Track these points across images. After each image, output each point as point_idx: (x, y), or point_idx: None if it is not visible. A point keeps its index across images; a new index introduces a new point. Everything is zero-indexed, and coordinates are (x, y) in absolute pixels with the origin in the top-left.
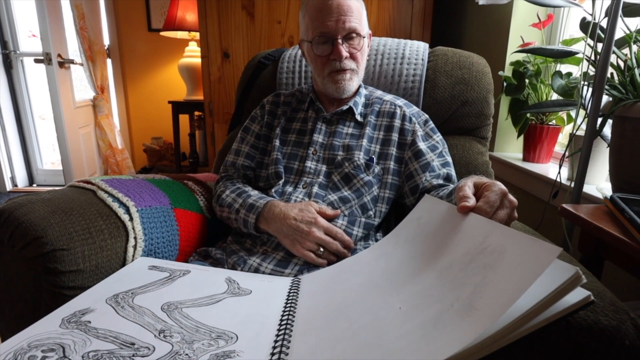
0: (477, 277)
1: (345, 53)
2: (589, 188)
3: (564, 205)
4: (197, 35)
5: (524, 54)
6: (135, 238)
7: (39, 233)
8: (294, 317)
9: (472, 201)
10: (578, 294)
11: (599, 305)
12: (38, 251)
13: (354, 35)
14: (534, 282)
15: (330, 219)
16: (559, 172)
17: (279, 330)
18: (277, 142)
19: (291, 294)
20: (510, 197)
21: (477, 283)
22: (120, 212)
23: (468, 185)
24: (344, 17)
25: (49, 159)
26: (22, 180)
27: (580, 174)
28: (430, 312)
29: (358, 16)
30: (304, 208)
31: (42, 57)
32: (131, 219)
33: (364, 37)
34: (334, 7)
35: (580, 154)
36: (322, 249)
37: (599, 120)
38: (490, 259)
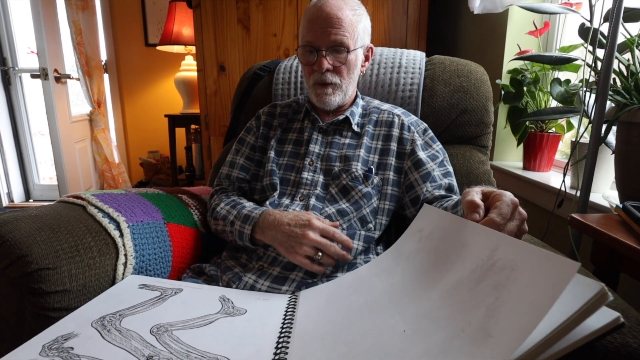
0: (489, 298)
1: (327, 65)
2: (594, 196)
3: (574, 215)
4: (193, 49)
5: (521, 62)
6: (125, 255)
7: (24, 251)
8: (289, 339)
9: (482, 212)
10: (605, 316)
11: (625, 326)
12: (22, 271)
13: (341, 48)
14: (554, 303)
15: None
16: (564, 181)
17: (274, 354)
18: (272, 154)
19: (288, 314)
20: (521, 208)
21: (490, 305)
22: (111, 228)
23: (476, 192)
24: (331, 29)
25: (47, 174)
26: (18, 196)
27: (586, 182)
28: (438, 337)
29: (349, 30)
30: (299, 213)
31: (38, 73)
32: (122, 235)
33: (352, 51)
34: (323, 17)
35: (585, 162)
36: (320, 254)
37: (604, 126)
38: (501, 277)
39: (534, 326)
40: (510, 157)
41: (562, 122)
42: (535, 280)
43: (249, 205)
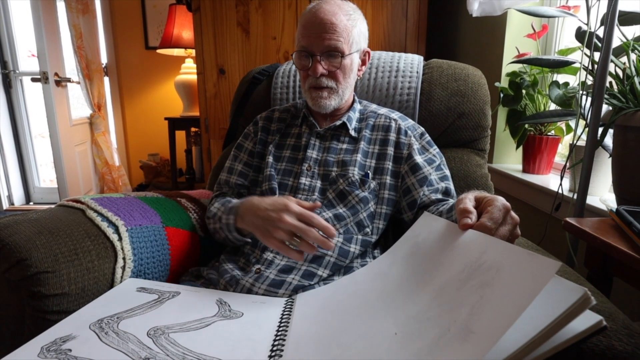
0: (474, 296)
1: (321, 70)
2: (591, 199)
3: (568, 219)
4: (193, 52)
5: (520, 65)
6: (124, 259)
7: (24, 255)
8: (284, 342)
9: (474, 217)
10: (589, 319)
11: (611, 329)
12: (22, 274)
13: (335, 53)
14: (533, 300)
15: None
16: (561, 184)
17: (269, 357)
18: (270, 159)
19: (284, 317)
20: (513, 213)
21: (474, 303)
22: (109, 231)
23: (469, 198)
24: (325, 34)
25: (47, 176)
26: (19, 199)
27: (582, 186)
28: (427, 338)
29: (343, 34)
30: (277, 198)
31: (39, 76)
32: (120, 238)
33: (347, 56)
34: (317, 23)
35: (582, 165)
36: (296, 240)
37: (600, 130)
38: (486, 277)
39: (512, 322)
40: (510, 159)
41: (562, 124)
42: (517, 279)
43: (236, 200)
